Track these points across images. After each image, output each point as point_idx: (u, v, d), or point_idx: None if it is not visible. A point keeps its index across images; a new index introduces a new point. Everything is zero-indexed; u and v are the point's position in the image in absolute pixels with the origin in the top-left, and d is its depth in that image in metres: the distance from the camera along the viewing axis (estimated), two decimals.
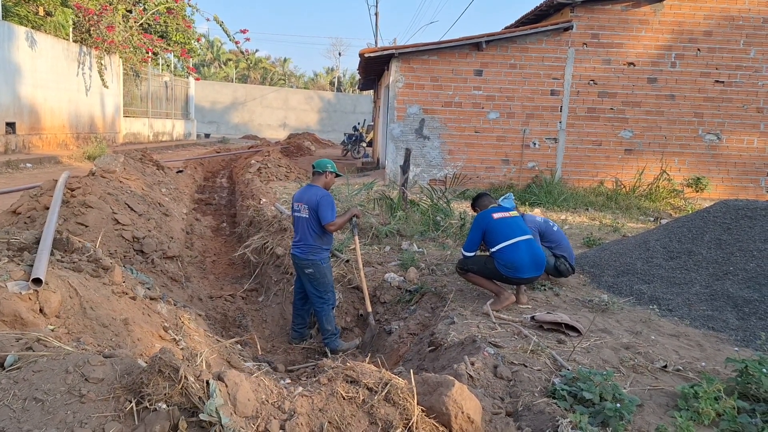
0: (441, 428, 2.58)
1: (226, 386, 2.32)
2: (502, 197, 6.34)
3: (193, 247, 8.23)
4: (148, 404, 2.27)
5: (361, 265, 5.81)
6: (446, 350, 4.29)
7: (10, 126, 15.16)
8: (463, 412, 2.58)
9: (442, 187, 9.51)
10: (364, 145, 25.35)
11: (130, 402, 2.29)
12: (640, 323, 5.11)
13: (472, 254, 5.43)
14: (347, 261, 6.64)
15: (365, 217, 7.70)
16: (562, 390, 3.44)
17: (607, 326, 4.92)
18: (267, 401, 2.39)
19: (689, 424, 2.81)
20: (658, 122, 13.68)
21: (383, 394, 2.50)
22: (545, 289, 6.01)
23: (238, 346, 5.19)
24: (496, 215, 5.39)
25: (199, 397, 2.26)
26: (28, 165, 13.81)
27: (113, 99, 21.70)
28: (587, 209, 12.02)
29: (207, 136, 35.17)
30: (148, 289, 4.18)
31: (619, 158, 13.86)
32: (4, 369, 2.45)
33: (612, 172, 13.74)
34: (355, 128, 26.08)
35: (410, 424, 2.45)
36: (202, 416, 2.20)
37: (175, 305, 4.46)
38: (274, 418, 2.33)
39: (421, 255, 7.24)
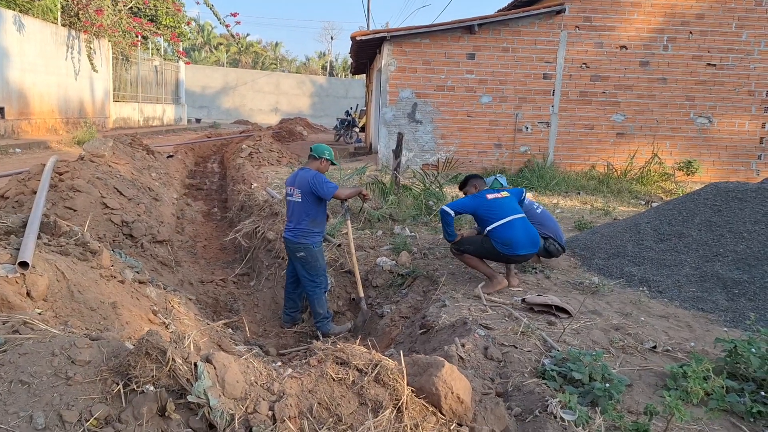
0: (431, 408, 2.58)
1: (215, 368, 2.31)
2: (498, 175, 6.31)
3: (184, 232, 8.18)
4: (135, 386, 2.26)
5: (353, 250, 5.79)
6: (437, 333, 4.29)
7: None
8: (452, 393, 2.58)
9: (434, 172, 9.48)
10: (357, 130, 25.23)
11: (118, 384, 2.28)
12: (630, 305, 5.13)
13: (452, 213, 5.42)
14: (339, 245, 6.62)
15: (356, 201, 7.66)
16: (552, 370, 3.45)
17: (598, 308, 4.94)
18: (256, 383, 2.38)
19: (678, 403, 2.82)
20: (650, 106, 13.67)
21: (373, 375, 2.50)
22: (536, 272, 6.02)
23: (230, 330, 5.17)
24: (489, 196, 5.46)
25: (187, 379, 2.24)
26: (17, 150, 13.68)
27: (102, 83, 21.48)
28: (579, 193, 12.04)
29: (198, 121, 34.91)
30: (137, 272, 4.15)
31: (611, 142, 13.86)
32: None
33: (604, 156, 13.75)
34: (347, 113, 25.95)
35: (400, 404, 2.44)
36: (190, 398, 2.19)
37: (164, 289, 4.44)
38: (263, 399, 2.32)
39: (414, 239, 7.23)
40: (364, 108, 26.14)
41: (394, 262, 6.33)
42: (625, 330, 4.42)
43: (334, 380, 2.47)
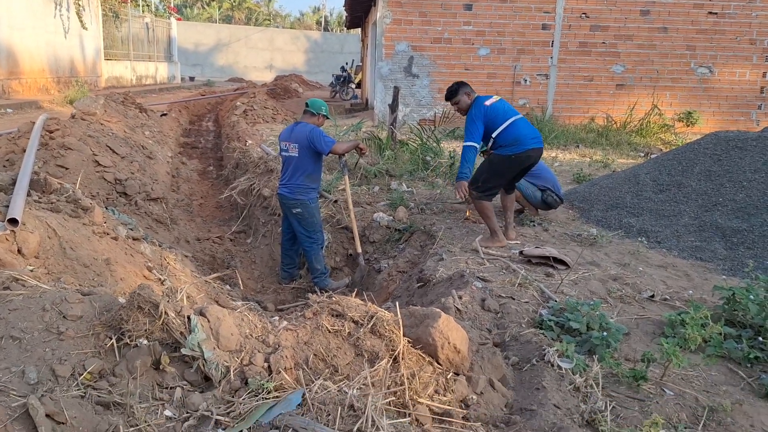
0: (428, 359, 2.57)
1: (209, 321, 2.28)
2: None
3: (180, 191, 8.11)
4: (128, 340, 2.24)
5: (350, 205, 5.74)
6: (435, 286, 4.28)
7: None
8: (449, 343, 2.57)
9: (431, 127, 9.36)
10: (353, 86, 24.84)
11: (111, 338, 2.26)
12: (629, 255, 5.11)
13: (477, 145, 5.15)
14: (335, 201, 6.57)
15: (352, 156, 7.58)
16: (549, 321, 3.45)
17: (596, 259, 4.92)
18: (251, 335, 2.36)
19: (675, 349, 2.82)
20: (650, 56, 13.43)
21: (369, 326, 2.48)
22: (534, 225, 5.99)
23: (227, 286, 5.17)
24: (487, 102, 5.19)
25: (181, 333, 2.22)
26: (9, 110, 13.47)
27: (93, 41, 21.03)
28: (578, 146, 11.92)
29: (192, 79, 34.38)
30: (131, 229, 4.11)
31: (611, 94, 13.67)
32: None
33: (603, 108, 13.57)
34: (343, 69, 25.51)
35: (396, 354, 2.43)
36: (184, 351, 2.17)
37: (160, 246, 4.40)
38: (259, 351, 2.30)
39: (411, 194, 7.17)
40: (360, 63, 25.72)
41: (391, 217, 6.28)
42: (623, 280, 4.41)
43: (329, 332, 2.45)
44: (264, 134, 11.69)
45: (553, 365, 2.86)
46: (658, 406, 2.79)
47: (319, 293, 5.48)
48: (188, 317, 2.24)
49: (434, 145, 8.71)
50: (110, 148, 6.56)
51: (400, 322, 2.50)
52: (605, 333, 3.24)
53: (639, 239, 5.59)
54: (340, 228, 6.29)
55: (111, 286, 3.21)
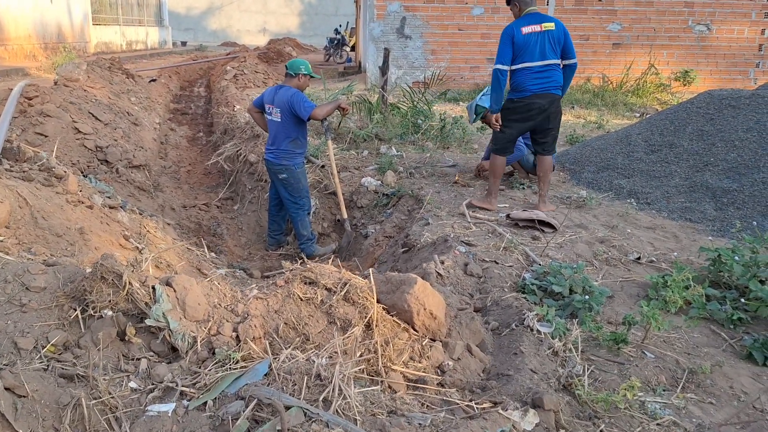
0: (403, 325, 2.53)
1: (175, 291, 2.23)
2: (481, 93, 6.11)
3: (168, 157, 8.01)
4: (93, 312, 2.19)
5: (335, 171, 5.64)
6: (419, 251, 4.23)
7: None
8: (425, 309, 2.53)
9: (423, 89, 9.19)
10: (348, 49, 24.43)
11: (75, 310, 2.21)
12: (617, 217, 5.06)
13: (506, 67, 4.81)
14: (323, 167, 6.47)
15: (336, 117, 7.44)
16: (532, 284, 3.41)
17: (584, 221, 4.87)
18: (220, 305, 2.31)
19: (655, 312, 2.78)
20: (647, 14, 13.15)
21: (342, 293, 2.43)
22: (524, 188, 5.92)
23: (213, 254, 5.12)
24: (525, 29, 4.75)
25: (146, 303, 2.17)
26: None
27: (80, 5, 20.56)
28: (573, 107, 11.74)
29: (184, 44, 33.78)
30: (108, 197, 4.03)
31: (607, 53, 13.42)
32: None
33: (599, 68, 13.33)
34: (336, 31, 25.07)
35: (368, 320, 2.39)
36: (148, 321, 2.12)
37: (140, 214, 4.33)
38: (227, 321, 2.26)
39: (400, 158, 7.07)
40: (354, 26, 25.24)
41: (380, 182, 6.20)
42: (610, 242, 4.36)
43: (301, 300, 2.41)
44: (253, 99, 11.51)
45: (532, 330, 2.82)
46: (638, 369, 2.77)
47: (306, 260, 5.47)
48: (153, 287, 2.19)
49: (425, 107, 8.55)
50: (93, 115, 6.43)
51: (374, 289, 2.45)
52: (587, 296, 3.20)
53: (629, 201, 5.53)
54: (328, 194, 6.22)
55: (84, 255, 3.15)
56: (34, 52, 17.25)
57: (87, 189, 3.90)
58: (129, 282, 2.16)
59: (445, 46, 13.14)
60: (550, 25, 4.81)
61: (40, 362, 2.05)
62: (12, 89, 5.97)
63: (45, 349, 2.09)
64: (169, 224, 4.70)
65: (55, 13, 18.65)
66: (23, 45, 16.78)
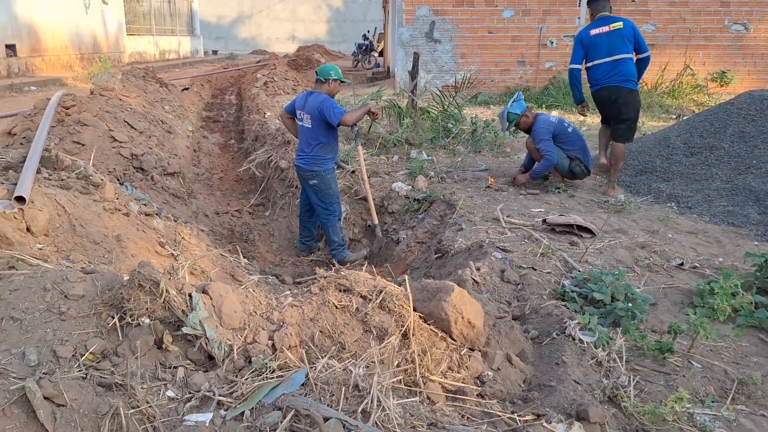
0: (441, 334, 2.47)
1: (211, 299, 2.21)
2: (512, 99, 6.02)
3: (200, 165, 8.08)
4: (130, 319, 2.18)
5: (365, 176, 5.60)
6: (453, 257, 4.17)
7: (11, 48, 14.78)
8: (463, 317, 2.47)
9: (453, 93, 9.12)
10: (376, 54, 24.50)
11: (113, 318, 2.21)
12: (658, 222, 4.92)
13: (577, 66, 5.89)
14: (353, 172, 6.45)
15: (366, 122, 7.42)
16: (572, 292, 3.32)
17: (623, 226, 4.75)
18: (255, 312, 2.29)
19: (703, 320, 2.68)
20: (682, 14, 12.86)
21: (378, 301, 2.38)
22: (559, 192, 5.81)
23: (245, 260, 5.13)
24: (593, 31, 5.69)
25: (182, 311, 2.16)
26: (32, 88, 13.58)
27: (115, 16, 21.03)
28: None
29: (215, 52, 34.30)
30: (144, 205, 4.06)
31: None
32: None
33: None
34: (365, 37, 25.16)
35: (405, 330, 2.34)
36: (185, 329, 2.11)
37: (175, 221, 4.35)
38: (263, 329, 2.23)
39: (431, 163, 7.02)
40: (383, 31, 25.31)
41: (410, 187, 6.15)
42: (651, 248, 4.24)
43: (336, 308, 2.37)
44: (283, 106, 11.58)
45: (574, 339, 2.74)
46: (685, 379, 2.66)
47: (337, 266, 5.45)
48: (189, 295, 2.18)
49: (455, 111, 8.48)
50: (128, 124, 6.53)
51: (410, 297, 2.40)
52: (630, 304, 3.10)
53: (669, 205, 5.38)
54: (358, 199, 6.18)
55: (122, 262, 3.17)
56: (70, 63, 17.69)
57: (123, 197, 3.93)
58: (166, 290, 2.15)
59: (474, 50, 13.05)
60: (618, 25, 5.61)
61: (79, 371, 2.05)
62: (50, 99, 6.09)
63: (83, 357, 2.09)
64: (202, 230, 4.72)
65: (90, 24, 19.09)
66: (60, 55, 17.21)
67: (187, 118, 10.24)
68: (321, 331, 2.27)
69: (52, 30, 16.77)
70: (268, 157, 7.03)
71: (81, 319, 2.20)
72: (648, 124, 9.88)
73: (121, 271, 2.64)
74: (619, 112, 5.71)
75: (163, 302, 2.16)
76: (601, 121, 6.21)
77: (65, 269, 2.39)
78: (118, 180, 5.05)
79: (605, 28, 5.59)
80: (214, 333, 2.12)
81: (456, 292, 2.51)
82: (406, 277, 2.47)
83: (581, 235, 4.46)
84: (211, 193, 7.05)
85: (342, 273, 2.51)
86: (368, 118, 5.62)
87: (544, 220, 4.68)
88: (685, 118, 10.39)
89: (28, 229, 3.10)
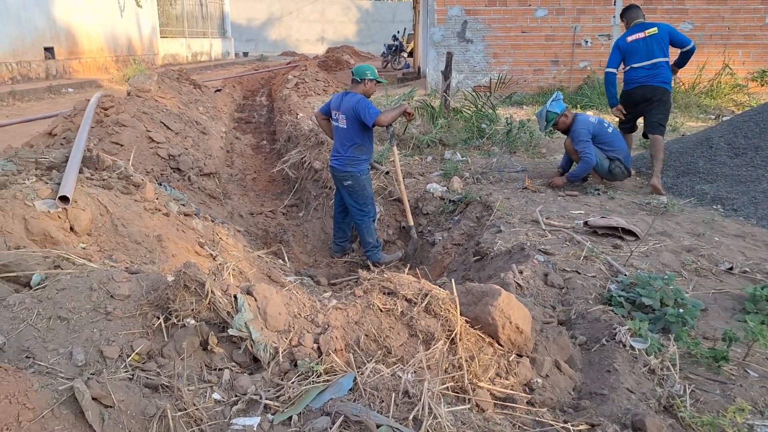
0: (488, 339, 2.40)
1: (256, 300, 2.18)
2: (551, 99, 5.91)
3: (233, 165, 8.13)
4: (176, 320, 2.16)
5: (400, 177, 5.55)
6: (492, 259, 4.08)
7: (49, 51, 15.10)
8: (511, 322, 2.40)
9: (487, 93, 9.02)
10: (405, 55, 24.44)
11: (158, 318, 2.19)
12: (703, 225, 4.76)
13: (613, 70, 6.22)
14: (387, 173, 6.40)
15: (400, 122, 7.36)
16: (619, 296, 3.21)
17: (667, 229, 4.61)
18: (299, 315, 2.25)
19: (762, 328, 2.56)
20: (721, 12, 12.54)
21: (423, 305, 2.33)
22: (599, 193, 5.69)
23: (280, 260, 5.12)
24: (629, 38, 6.05)
25: (228, 312, 2.13)
26: (70, 90, 13.85)
27: (149, 19, 21.35)
28: None
29: (245, 54, 34.62)
30: (183, 205, 4.07)
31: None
32: (32, 288, 2.37)
33: None
34: (394, 37, 25.13)
35: (453, 335, 2.28)
36: (231, 331, 2.08)
37: (212, 221, 4.36)
38: (308, 332, 2.19)
39: (465, 164, 6.94)
40: (412, 32, 25.23)
41: (445, 188, 6.08)
42: (698, 251, 4.10)
43: (381, 311, 2.32)
44: (315, 107, 11.60)
45: (624, 345, 2.64)
46: (742, 389, 2.55)
47: (372, 267, 5.41)
48: (235, 296, 2.15)
49: (490, 111, 8.38)
50: (164, 124, 6.59)
51: (457, 301, 2.33)
52: (681, 310, 2.99)
53: (714, 207, 5.22)
54: (393, 200, 6.14)
55: (162, 262, 3.17)
56: (106, 65, 18.00)
57: (162, 197, 3.95)
58: (211, 290, 2.12)
59: (507, 49, 12.91)
60: (653, 30, 5.97)
61: (125, 371, 2.04)
62: (89, 100, 6.17)
63: (130, 358, 2.08)
64: (239, 231, 4.72)
65: (125, 27, 19.41)
66: (96, 58, 17.53)
67: (220, 119, 10.33)
68: (366, 335, 2.23)
69: (88, 33, 17.09)
70: (302, 158, 7.03)
71: (127, 320, 2.19)
72: (687, 124, 9.64)
73: (164, 272, 2.63)
74: (652, 109, 6.01)
75: (209, 303, 2.14)
76: (620, 124, 6.43)
77: (110, 269, 2.39)
78: (156, 180, 5.09)
79: (641, 34, 5.96)
80: (259, 335, 2.08)
81: (503, 296, 2.44)
82: (452, 280, 2.40)
83: (624, 238, 4.34)
84: (245, 194, 7.07)
85: (386, 275, 2.46)
86: (403, 118, 5.55)
87: (586, 222, 4.57)
88: (725, 118, 10.14)
89: (71, 229, 3.12)
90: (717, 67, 12.58)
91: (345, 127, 5.23)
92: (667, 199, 5.38)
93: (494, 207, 5.28)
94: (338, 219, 5.67)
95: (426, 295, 2.35)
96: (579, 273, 3.59)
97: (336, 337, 2.16)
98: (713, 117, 10.54)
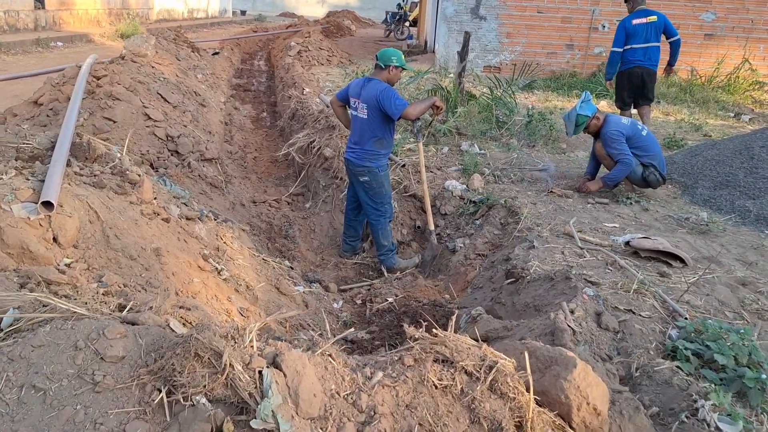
0: (558, 422, 1.98)
1: (285, 376, 1.73)
2: (580, 101, 5.41)
3: (233, 141, 7.58)
4: (182, 397, 1.71)
5: (425, 177, 5.02)
6: (529, 284, 3.65)
7: (39, 0, 14.27)
8: (588, 403, 1.98)
9: (506, 76, 8.49)
10: (408, 24, 23.58)
11: (159, 391, 1.74)
12: (751, 250, 4.35)
13: (619, 49, 7.15)
14: (403, 166, 5.90)
15: (426, 117, 6.85)
16: (685, 349, 2.80)
17: (712, 252, 4.20)
18: (338, 393, 1.81)
19: None
20: (746, 3, 12.02)
21: (488, 382, 1.89)
22: (631, 203, 5.26)
23: (286, 261, 4.66)
24: (635, 21, 7.04)
25: (249, 393, 1.68)
26: (59, 44, 13.10)
27: None
28: (659, 102, 10.81)
29: (243, 13, 33.52)
30: (185, 204, 3.59)
31: (698, 44, 12.35)
32: (1, 331, 1.91)
33: (688, 61, 12.26)
34: (399, 5, 24.20)
35: (524, 423, 1.85)
36: (254, 423, 1.63)
37: (215, 220, 3.87)
38: (349, 419, 1.75)
39: (483, 157, 6.47)
40: (416, 0, 24.34)
41: (465, 186, 5.61)
42: (756, 286, 3.69)
43: (436, 388, 1.88)
44: (321, 80, 10.99)
45: (709, 425, 2.24)
46: None
47: (385, 272, 4.96)
48: (260, 372, 1.70)
49: (509, 99, 7.86)
50: (162, 96, 6.02)
51: (530, 380, 1.90)
52: (763, 375, 2.58)
53: (759, 228, 4.80)
54: (408, 196, 5.65)
55: (162, 283, 2.71)
56: (98, 18, 17.17)
57: (162, 195, 3.45)
58: (230, 363, 1.67)
59: (521, 29, 12.33)
60: (653, 18, 7.05)
61: None
62: (80, 66, 5.58)
63: None
64: (243, 230, 4.24)
65: None
66: (88, 10, 16.68)
67: (219, 87, 9.72)
68: (420, 423, 1.79)
69: None
70: (311, 142, 6.48)
71: (119, 392, 1.73)
72: (708, 122, 9.19)
73: (165, 311, 2.17)
74: (643, 85, 7.18)
75: (225, 379, 1.68)
76: (623, 105, 7.47)
77: (101, 319, 1.92)
78: (152, 165, 4.58)
79: (644, 20, 7.00)
80: (289, 427, 1.64)
81: (579, 368, 2.02)
82: (527, 354, 1.96)
83: (671, 263, 3.93)
84: (246, 176, 6.55)
85: (439, 336, 2.01)
86: (430, 111, 5.03)
87: (628, 243, 4.14)
88: (744, 117, 9.70)
89: (54, 240, 2.64)
90: (736, 62, 12.10)
91: (365, 117, 4.72)
92: (707, 216, 4.97)
93: (520, 213, 4.84)
94: (350, 216, 5.19)
95: (491, 368, 1.91)
96: (634, 313, 3.17)
97: (384, 429, 1.72)
98: (732, 115, 10.10)
